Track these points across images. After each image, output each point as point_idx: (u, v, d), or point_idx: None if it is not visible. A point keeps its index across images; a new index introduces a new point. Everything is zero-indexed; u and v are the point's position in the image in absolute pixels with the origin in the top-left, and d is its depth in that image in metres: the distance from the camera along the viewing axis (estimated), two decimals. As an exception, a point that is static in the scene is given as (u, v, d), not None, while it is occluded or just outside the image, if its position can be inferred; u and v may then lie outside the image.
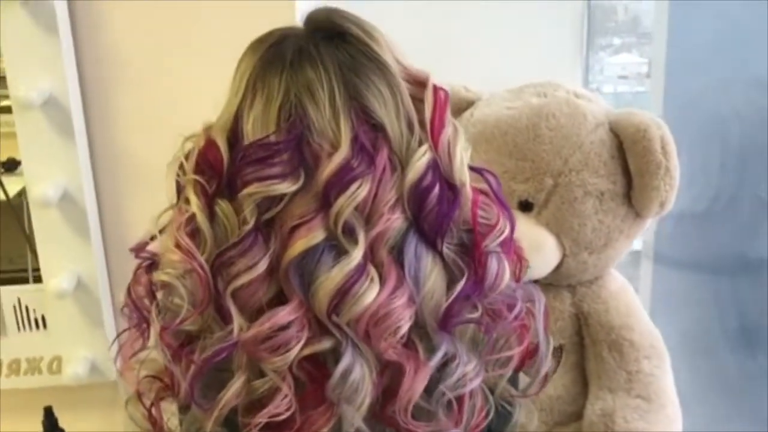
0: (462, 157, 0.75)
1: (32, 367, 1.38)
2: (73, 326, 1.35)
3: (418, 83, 0.75)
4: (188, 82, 1.31)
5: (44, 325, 1.37)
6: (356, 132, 0.69)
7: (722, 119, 1.57)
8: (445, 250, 0.73)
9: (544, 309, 0.81)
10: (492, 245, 0.75)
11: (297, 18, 1.31)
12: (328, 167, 0.68)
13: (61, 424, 1.35)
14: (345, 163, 0.68)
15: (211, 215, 0.71)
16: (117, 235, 1.37)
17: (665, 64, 1.56)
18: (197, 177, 0.71)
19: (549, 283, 1.29)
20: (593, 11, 1.55)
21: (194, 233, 0.71)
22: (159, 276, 0.71)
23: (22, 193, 1.38)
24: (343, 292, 0.68)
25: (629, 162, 1.20)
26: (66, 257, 1.31)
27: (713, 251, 1.54)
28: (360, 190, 0.68)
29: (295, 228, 0.69)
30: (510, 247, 0.78)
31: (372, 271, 0.69)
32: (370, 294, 0.68)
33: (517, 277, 0.82)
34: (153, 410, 0.74)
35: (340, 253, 0.69)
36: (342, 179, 0.68)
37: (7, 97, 1.29)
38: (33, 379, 1.38)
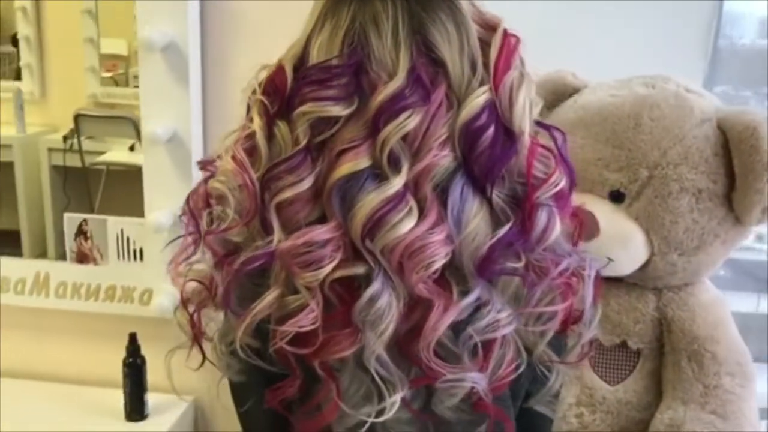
0: (525, 105, 0.73)
1: (126, 296, 1.48)
2: (166, 261, 1.43)
3: (490, 27, 0.75)
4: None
5: (141, 258, 1.46)
6: (414, 64, 0.70)
7: None
8: (495, 198, 0.72)
9: (597, 277, 0.77)
10: (544, 197, 0.73)
11: None
12: (381, 94, 0.69)
13: (143, 353, 1.43)
14: (398, 91, 0.69)
15: (270, 135, 0.73)
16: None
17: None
18: (262, 98, 0.74)
19: (634, 283, 1.23)
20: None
21: (252, 150, 0.73)
22: (212, 183, 0.75)
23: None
24: (378, 218, 0.68)
25: (734, 161, 1.13)
26: (167, 195, 1.39)
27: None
28: (409, 121, 0.68)
29: (342, 152, 0.70)
30: (566, 205, 0.75)
31: (412, 202, 0.69)
32: (406, 224, 0.68)
33: (575, 241, 0.79)
34: (195, 316, 0.78)
35: (384, 181, 0.69)
36: (392, 107, 0.68)
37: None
38: (125, 307, 1.48)
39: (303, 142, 0.71)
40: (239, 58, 1.41)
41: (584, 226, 0.81)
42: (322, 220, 0.71)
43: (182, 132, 1.37)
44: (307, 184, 0.70)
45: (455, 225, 0.70)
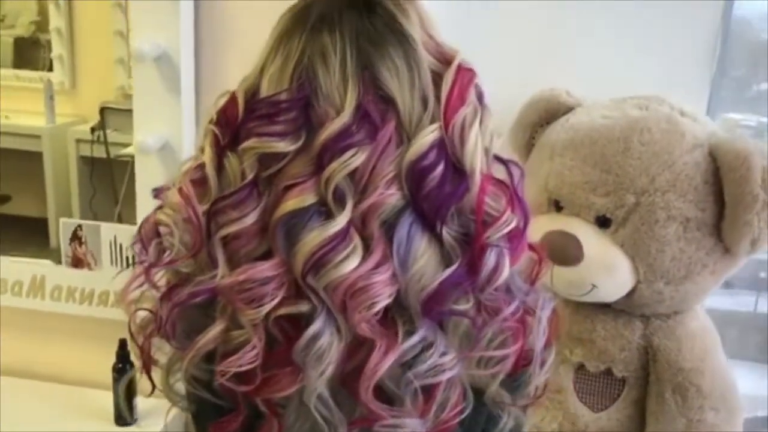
0: (477, 142, 0.71)
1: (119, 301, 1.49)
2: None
3: (446, 60, 0.73)
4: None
5: (134, 264, 1.47)
6: (362, 100, 0.68)
7: None
8: (446, 235, 0.70)
9: (552, 319, 0.75)
10: (494, 237, 0.71)
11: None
12: (326, 131, 0.68)
13: (133, 358, 1.44)
14: (343, 128, 0.67)
15: (220, 166, 0.72)
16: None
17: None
18: (214, 128, 0.73)
19: (621, 310, 1.20)
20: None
21: (203, 181, 0.73)
22: (159, 215, 0.74)
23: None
24: (320, 257, 0.67)
25: (724, 190, 1.09)
26: (159, 204, 1.40)
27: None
28: (354, 159, 0.67)
29: (288, 188, 0.69)
30: (520, 244, 0.73)
31: (356, 241, 0.68)
32: (348, 263, 0.67)
33: (532, 280, 0.78)
34: (144, 345, 0.77)
35: (329, 218, 0.68)
36: (337, 144, 0.67)
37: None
38: (118, 312, 1.48)
39: (249, 177, 0.70)
40: (234, 69, 1.39)
41: (543, 263, 0.78)
42: (269, 254, 0.71)
43: (174, 143, 1.37)
44: (251, 219, 0.70)
45: (401, 264, 0.69)
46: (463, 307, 0.70)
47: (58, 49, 1.59)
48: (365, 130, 0.68)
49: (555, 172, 1.20)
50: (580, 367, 1.23)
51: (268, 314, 0.69)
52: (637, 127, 1.14)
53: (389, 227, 0.69)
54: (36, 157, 1.65)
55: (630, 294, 1.16)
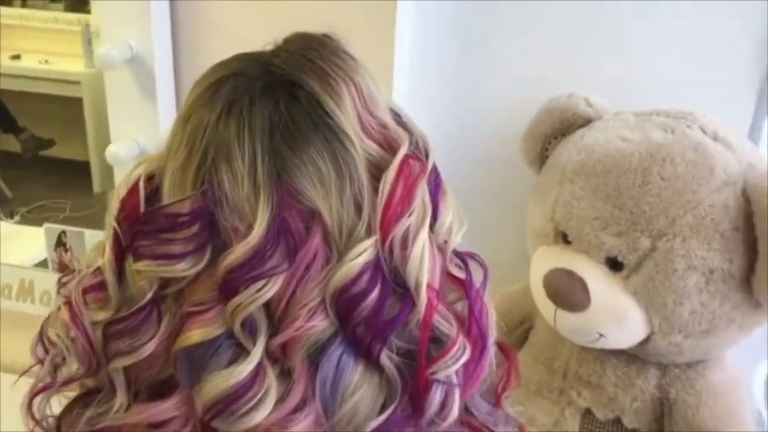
0: (423, 253, 0.58)
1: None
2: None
3: (391, 148, 0.59)
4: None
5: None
6: (277, 216, 0.56)
7: None
8: (385, 361, 0.58)
9: None
10: (442, 373, 0.59)
11: (396, 17, 1.15)
12: (231, 256, 0.56)
13: None
14: (252, 254, 0.55)
15: (121, 273, 0.61)
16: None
17: None
18: (115, 226, 0.62)
19: (635, 355, 1.07)
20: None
21: (101, 287, 0.62)
22: (49, 330, 0.64)
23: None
24: (225, 404, 0.56)
25: (758, 240, 0.93)
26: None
27: None
28: (266, 290, 0.55)
29: (190, 315, 0.58)
30: (476, 369, 0.61)
31: (270, 380, 0.57)
32: (260, 411, 0.56)
33: (498, 395, 0.66)
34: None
35: (241, 353, 0.57)
36: (245, 274, 0.55)
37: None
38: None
39: (148, 296, 0.59)
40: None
41: (514, 375, 0.66)
42: (173, 381, 0.60)
43: (151, 151, 1.27)
44: (149, 349, 0.59)
45: (326, 405, 0.57)
46: None
47: (95, -9, 1.51)
48: (282, 251, 0.56)
49: (563, 201, 1.05)
50: (587, 413, 1.11)
51: None
52: (659, 157, 0.98)
53: (316, 356, 0.58)
54: (77, 102, 1.60)
55: (644, 343, 1.03)
